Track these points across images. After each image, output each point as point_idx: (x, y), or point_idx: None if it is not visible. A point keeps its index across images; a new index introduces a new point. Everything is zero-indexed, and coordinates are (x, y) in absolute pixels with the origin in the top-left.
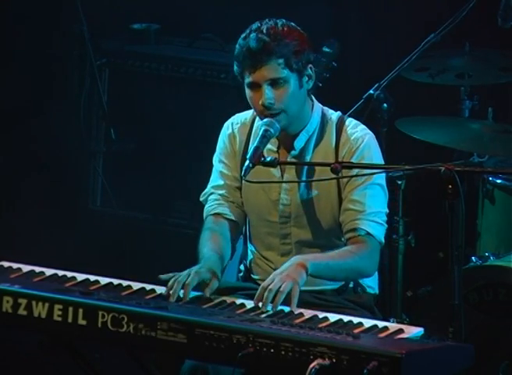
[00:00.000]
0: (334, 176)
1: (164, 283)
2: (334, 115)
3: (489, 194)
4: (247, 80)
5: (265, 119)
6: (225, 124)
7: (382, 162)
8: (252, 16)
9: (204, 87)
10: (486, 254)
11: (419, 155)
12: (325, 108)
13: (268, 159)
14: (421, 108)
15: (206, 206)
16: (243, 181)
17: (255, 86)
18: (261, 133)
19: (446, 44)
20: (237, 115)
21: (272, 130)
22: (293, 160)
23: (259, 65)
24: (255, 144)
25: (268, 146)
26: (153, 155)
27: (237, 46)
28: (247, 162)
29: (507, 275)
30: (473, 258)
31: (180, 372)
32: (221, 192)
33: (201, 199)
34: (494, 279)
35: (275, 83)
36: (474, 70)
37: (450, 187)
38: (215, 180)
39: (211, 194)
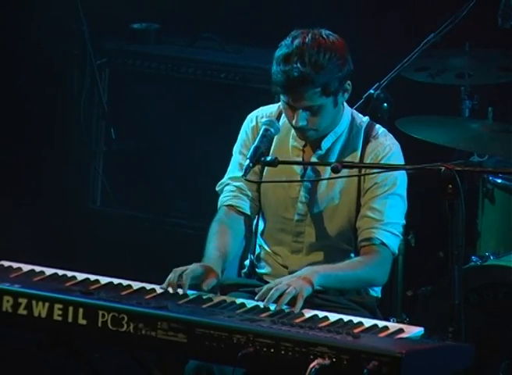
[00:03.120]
0: (337, 175)
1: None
2: (363, 119)
3: (489, 193)
4: (284, 99)
5: (265, 119)
6: (249, 117)
7: (404, 173)
8: (252, 15)
9: (204, 87)
10: (486, 254)
11: (419, 155)
12: (354, 111)
13: (268, 159)
14: (421, 108)
15: (221, 197)
16: (264, 176)
17: (291, 106)
18: (261, 133)
19: (446, 44)
20: (262, 108)
21: (272, 130)
22: (315, 160)
23: (297, 94)
24: (255, 144)
25: (294, 143)
26: (153, 155)
27: (277, 68)
28: (247, 162)
29: (507, 275)
30: (473, 257)
31: (184, 371)
32: (237, 184)
33: (217, 189)
34: (494, 279)
35: (310, 109)
36: (474, 70)
37: (450, 186)
38: (233, 170)
39: (228, 184)
